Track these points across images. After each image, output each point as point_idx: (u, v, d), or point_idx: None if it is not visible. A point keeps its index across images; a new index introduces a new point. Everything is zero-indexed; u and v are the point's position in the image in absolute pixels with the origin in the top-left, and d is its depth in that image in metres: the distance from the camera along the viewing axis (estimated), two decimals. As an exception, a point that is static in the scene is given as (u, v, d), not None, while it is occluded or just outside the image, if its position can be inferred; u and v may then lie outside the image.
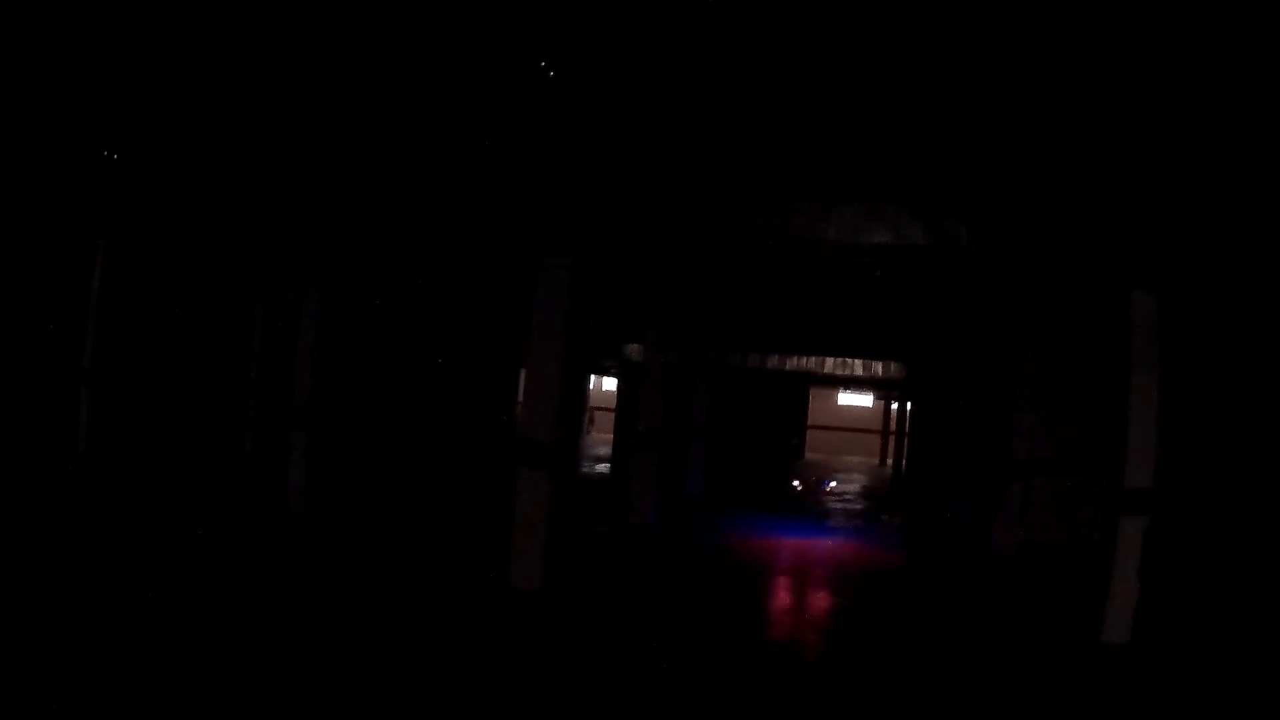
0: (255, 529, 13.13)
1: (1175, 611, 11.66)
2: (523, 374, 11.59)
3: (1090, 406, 16.26)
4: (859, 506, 24.19)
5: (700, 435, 23.16)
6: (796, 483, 27.97)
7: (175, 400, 14.36)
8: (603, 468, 26.55)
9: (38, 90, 8.58)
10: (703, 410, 23.07)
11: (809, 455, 38.71)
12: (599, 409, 38.09)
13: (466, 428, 12.47)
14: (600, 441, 33.75)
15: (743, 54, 7.25)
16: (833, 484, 28.58)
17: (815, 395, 40.04)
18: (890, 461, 37.54)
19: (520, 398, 11.57)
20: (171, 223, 13.03)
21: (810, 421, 39.87)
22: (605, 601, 11.52)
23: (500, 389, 12.66)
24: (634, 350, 23.17)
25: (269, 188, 11.34)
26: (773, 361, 25.78)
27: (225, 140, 9.86)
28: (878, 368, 25.87)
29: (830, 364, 26.09)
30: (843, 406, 44.17)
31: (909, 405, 31.21)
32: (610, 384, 39.35)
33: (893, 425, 38.45)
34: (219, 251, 14.35)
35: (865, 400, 43.50)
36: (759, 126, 8.78)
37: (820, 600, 12.85)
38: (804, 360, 25.97)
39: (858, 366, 25.91)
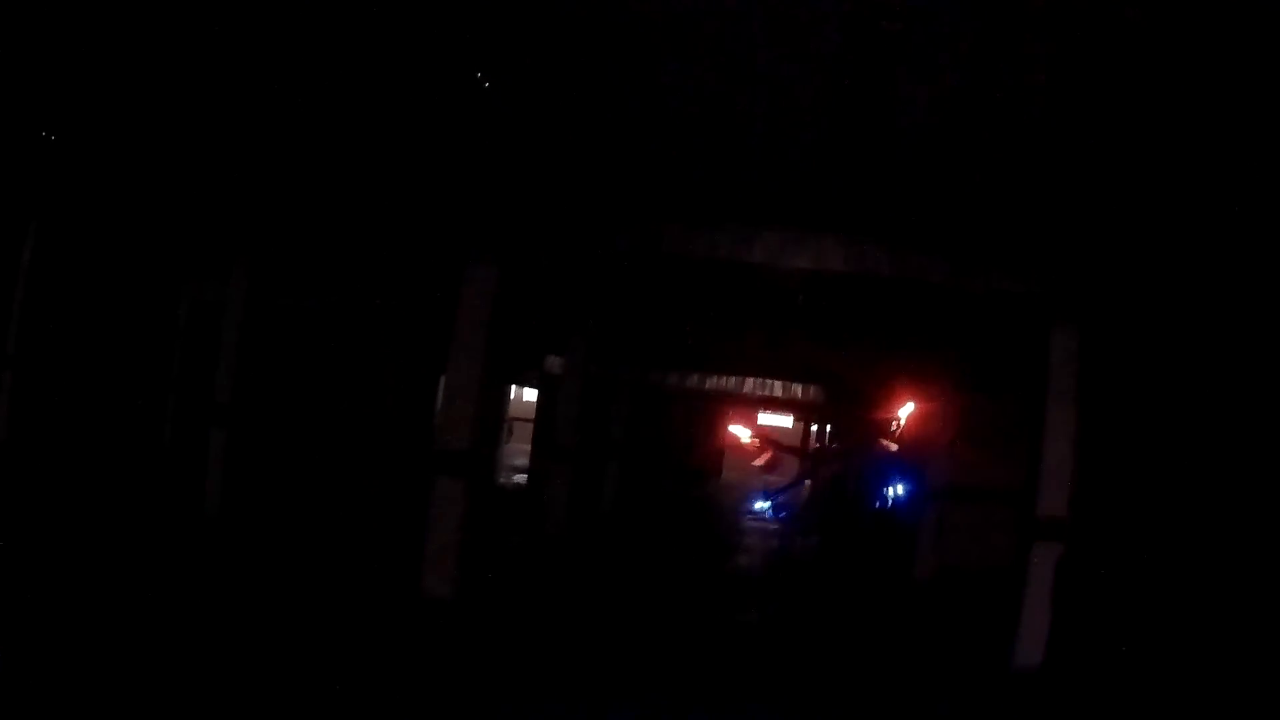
0: (168, 528, 12.69)
1: (1085, 637, 11.74)
2: (442, 381, 11.35)
3: (1009, 437, 16.43)
4: (775, 529, 24.22)
5: (617, 451, 23.02)
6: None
7: (96, 390, 13.95)
8: (520, 478, 26.37)
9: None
10: (620, 426, 22.93)
11: (726, 475, 38.65)
12: (518, 419, 37.74)
13: (386, 433, 12.22)
14: (518, 452, 33.46)
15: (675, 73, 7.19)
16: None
17: (734, 415, 40.01)
18: (809, 483, 37.64)
19: (439, 405, 11.32)
20: (101, 209, 12.70)
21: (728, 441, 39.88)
22: (514, 610, 11.39)
23: (420, 395, 12.38)
24: (555, 362, 23.01)
25: (200, 177, 11.07)
26: (693, 381, 25.77)
27: (159, 128, 9.62)
28: (796, 390, 25.88)
29: (750, 384, 26.09)
30: (762, 426, 44.21)
31: (828, 427, 31.38)
32: (530, 395, 39.00)
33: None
34: (147, 240, 13.99)
35: (785, 421, 43.62)
36: (691, 147, 8.73)
37: (734, 614, 12.77)
38: (724, 380, 25.96)
39: (777, 388, 25.91)
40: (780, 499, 29.39)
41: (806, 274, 10.83)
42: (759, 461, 34.86)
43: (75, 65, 8.31)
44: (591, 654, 9.82)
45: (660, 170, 9.39)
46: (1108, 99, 6.71)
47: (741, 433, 33.63)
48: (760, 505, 29.01)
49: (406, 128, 8.87)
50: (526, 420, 33.44)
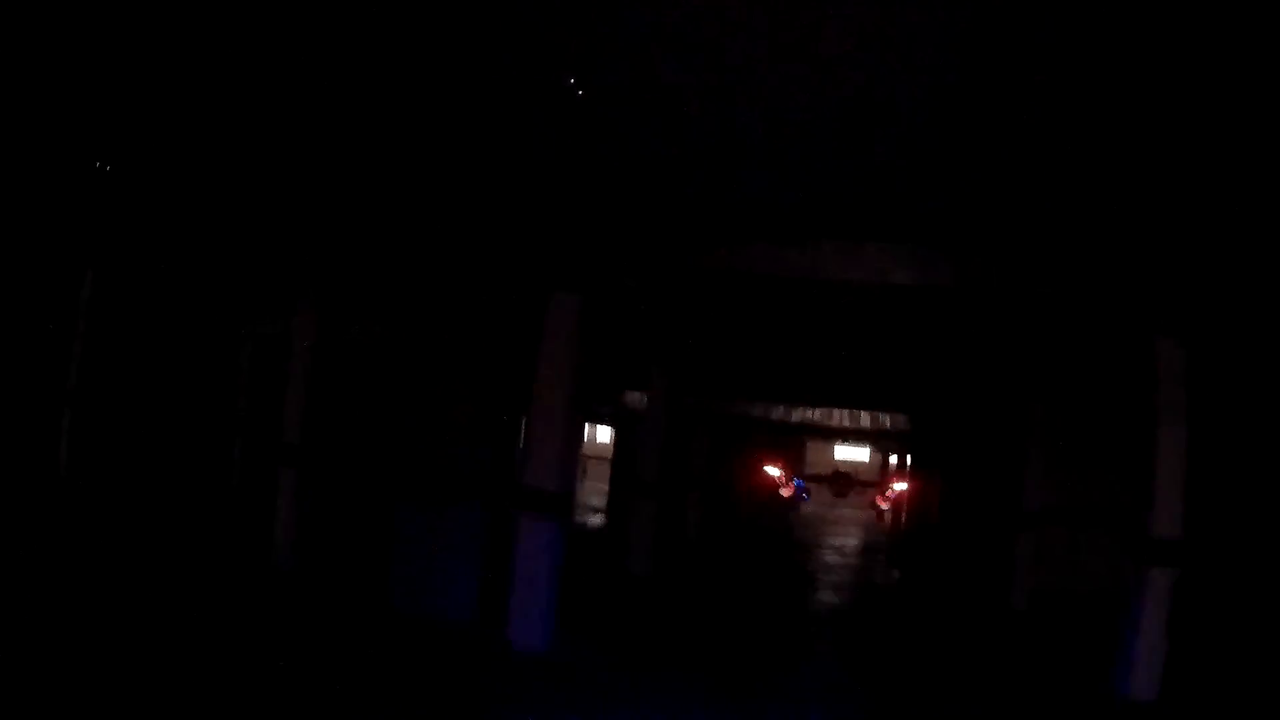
0: (234, 582, 12.08)
1: (1205, 668, 11.23)
2: (526, 418, 11.04)
3: (1104, 455, 15.92)
4: (857, 561, 23.74)
5: (699, 484, 22.69)
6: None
7: (159, 429, 13.84)
8: (597, 518, 26.15)
9: (33, 106, 8.22)
10: (702, 459, 22.60)
11: (805, 507, 38.21)
12: (592, 457, 37.58)
13: (457, 471, 11.93)
14: (593, 490, 33.27)
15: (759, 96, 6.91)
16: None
17: (812, 446, 39.67)
18: (887, 514, 37.20)
19: (522, 441, 11.00)
20: (162, 246, 12.60)
21: (808, 471, 39.56)
22: (613, 659, 10.92)
23: (500, 432, 12.08)
24: (633, 398, 22.79)
25: (267, 212, 10.95)
26: (776, 412, 25.43)
27: (220, 161, 9.48)
28: (883, 419, 25.44)
29: (834, 416, 25.71)
30: (839, 459, 43.73)
31: (908, 457, 30.82)
32: (603, 432, 38.84)
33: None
34: (211, 274, 13.89)
35: (862, 453, 43.09)
36: (777, 163, 8.41)
37: (828, 658, 12.33)
38: (807, 412, 25.60)
39: (863, 418, 25.50)
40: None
41: (905, 289, 10.41)
42: (786, 492, 34.64)
43: (140, 104, 8.19)
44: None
45: (746, 186, 9.04)
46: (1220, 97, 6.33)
47: (772, 470, 33.41)
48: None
49: (487, 153, 8.66)
50: (599, 459, 33.31)
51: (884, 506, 35.26)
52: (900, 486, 31.06)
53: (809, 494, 38.40)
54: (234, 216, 11.23)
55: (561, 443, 10.59)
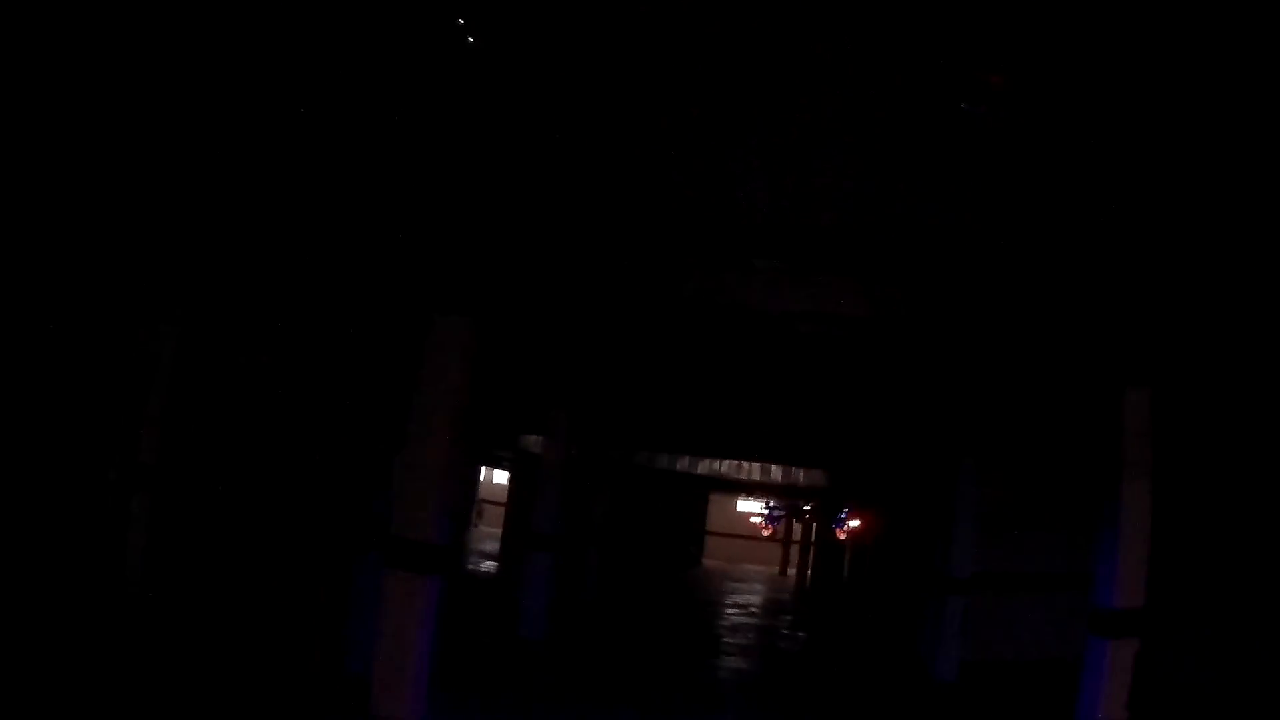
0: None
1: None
2: (400, 458, 9.44)
3: (1044, 514, 14.82)
4: (763, 621, 22.46)
5: (599, 537, 21.17)
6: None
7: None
8: (490, 565, 24.69)
9: None
10: (602, 510, 21.09)
11: (707, 562, 37.03)
12: (489, 502, 36.13)
13: (323, 514, 10.36)
14: (488, 536, 31.78)
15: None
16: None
17: (714, 500, 38.52)
18: (792, 571, 36.20)
19: (396, 485, 9.38)
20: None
21: (708, 527, 38.39)
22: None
23: (367, 468, 10.46)
24: (532, 441, 21.32)
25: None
26: (681, 463, 24.06)
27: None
28: (796, 474, 24.12)
29: (744, 469, 24.32)
30: (741, 513, 42.52)
31: (815, 518, 29.82)
32: (500, 476, 37.26)
33: (795, 534, 37.19)
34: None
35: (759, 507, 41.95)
36: (689, 185, 7.18)
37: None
38: (715, 464, 24.22)
39: (774, 472, 24.14)
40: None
41: (820, 316, 9.17)
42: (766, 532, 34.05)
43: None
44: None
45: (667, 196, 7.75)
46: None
47: (752, 506, 32.54)
48: None
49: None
50: (497, 503, 31.86)
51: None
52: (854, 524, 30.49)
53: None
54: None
55: (441, 487, 9.10)
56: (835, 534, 35.24)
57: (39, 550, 11.33)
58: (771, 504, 37.38)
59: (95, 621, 10.79)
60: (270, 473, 10.92)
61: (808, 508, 33.59)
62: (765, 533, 34.00)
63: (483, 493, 39.61)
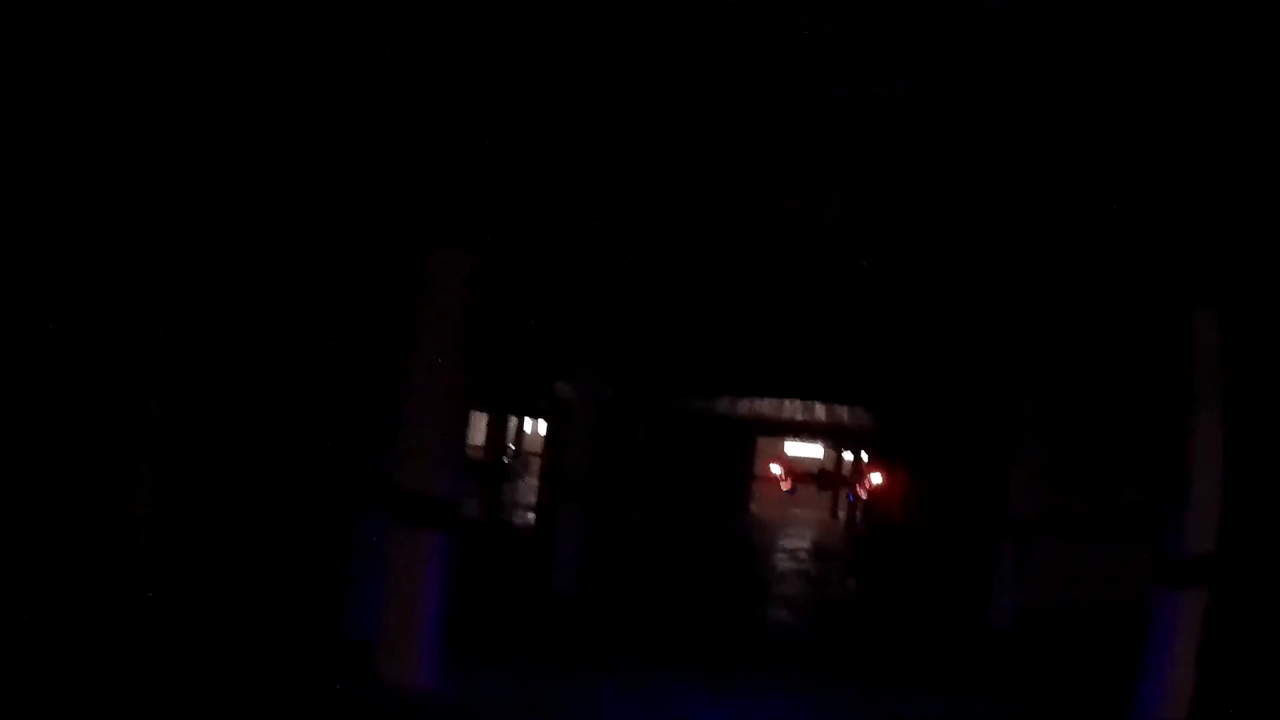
0: None
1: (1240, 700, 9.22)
2: (401, 405, 8.72)
3: (1105, 454, 13.98)
4: (814, 568, 21.74)
5: (638, 487, 20.46)
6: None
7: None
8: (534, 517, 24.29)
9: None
10: (642, 457, 20.37)
11: (754, 508, 36.39)
12: (534, 454, 35.74)
13: (319, 471, 9.72)
14: (531, 489, 31.39)
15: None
16: None
17: (762, 444, 37.83)
18: (843, 514, 35.51)
19: (401, 435, 8.64)
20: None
21: (756, 473, 37.71)
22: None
23: (366, 421, 9.75)
24: (564, 389, 20.71)
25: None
26: (721, 405, 23.25)
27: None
28: (841, 413, 23.27)
29: (787, 408, 23.46)
30: (791, 457, 41.86)
31: (865, 456, 29.01)
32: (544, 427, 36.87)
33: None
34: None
35: (815, 450, 41.19)
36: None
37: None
38: (758, 404, 23.35)
39: (818, 411, 23.30)
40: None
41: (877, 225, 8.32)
42: (785, 486, 33.12)
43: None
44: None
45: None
46: None
47: (776, 467, 31.72)
48: None
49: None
50: (539, 455, 31.45)
51: (862, 496, 34.03)
52: (876, 479, 29.79)
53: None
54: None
55: (444, 436, 8.46)
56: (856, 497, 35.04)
57: (53, 512, 10.94)
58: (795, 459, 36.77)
59: (103, 592, 10.35)
60: (261, 429, 10.32)
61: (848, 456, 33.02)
62: (785, 486, 33.13)
63: (528, 445, 39.34)
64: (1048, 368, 13.48)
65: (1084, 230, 8.52)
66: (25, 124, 7.29)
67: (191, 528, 10.53)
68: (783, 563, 21.97)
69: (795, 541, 27.12)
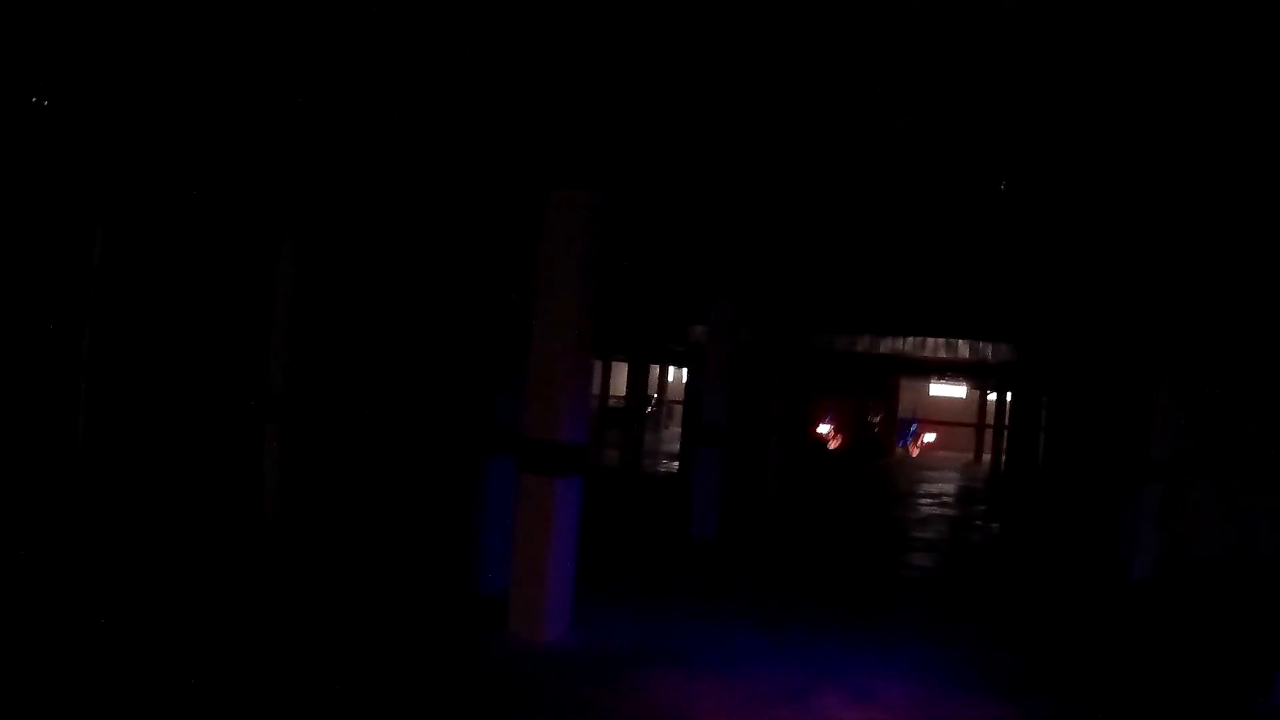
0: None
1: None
2: (526, 355, 8.64)
3: (1253, 398, 13.32)
4: (955, 512, 21.27)
5: (778, 428, 20.15)
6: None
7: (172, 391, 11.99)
8: (676, 465, 24.31)
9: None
10: (780, 401, 20.03)
11: (899, 450, 35.92)
12: (675, 402, 35.69)
13: (446, 422, 9.75)
14: (674, 438, 31.35)
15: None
16: None
17: (904, 386, 37.18)
18: (987, 457, 34.75)
19: (528, 382, 8.57)
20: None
21: (899, 415, 37.10)
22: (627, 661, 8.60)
23: (495, 370, 9.69)
24: (699, 332, 20.44)
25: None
26: (861, 343, 22.64)
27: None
28: (985, 349, 22.45)
29: (930, 345, 22.71)
30: (934, 398, 41.05)
31: (1009, 395, 28.17)
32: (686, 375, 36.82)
33: (989, 418, 35.59)
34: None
35: (959, 391, 40.31)
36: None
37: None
38: (898, 342, 22.65)
39: (960, 348, 22.52)
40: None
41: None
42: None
43: None
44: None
45: None
46: None
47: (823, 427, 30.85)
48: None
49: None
50: (681, 402, 31.41)
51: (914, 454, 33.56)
52: (929, 438, 29.44)
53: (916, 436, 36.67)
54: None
55: (570, 382, 8.39)
56: (909, 449, 34.53)
57: (190, 475, 11.28)
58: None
59: (236, 546, 10.65)
60: (390, 385, 10.39)
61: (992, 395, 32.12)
62: (832, 444, 31.99)
63: (671, 393, 39.33)
64: (1191, 307, 12.78)
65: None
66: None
67: (322, 492, 10.76)
68: (925, 506, 21.57)
69: (939, 485, 26.67)
